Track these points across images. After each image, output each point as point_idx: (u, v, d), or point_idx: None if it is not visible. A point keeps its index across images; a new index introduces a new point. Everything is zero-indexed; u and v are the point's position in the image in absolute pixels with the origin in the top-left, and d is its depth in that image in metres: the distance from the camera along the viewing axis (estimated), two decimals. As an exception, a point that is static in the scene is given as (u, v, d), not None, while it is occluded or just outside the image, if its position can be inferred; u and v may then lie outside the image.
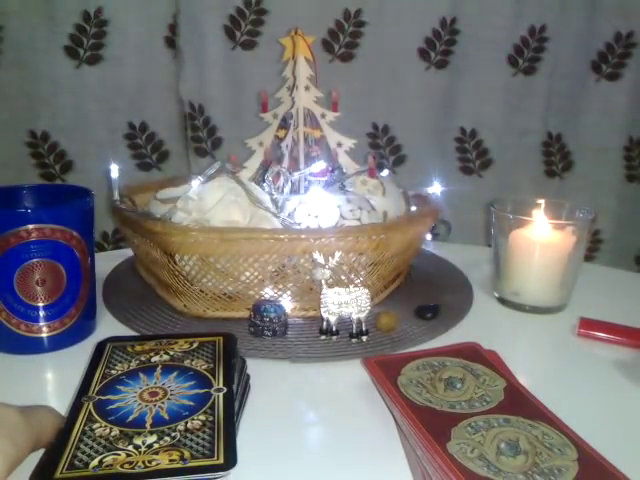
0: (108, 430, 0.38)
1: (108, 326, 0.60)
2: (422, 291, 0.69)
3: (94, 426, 0.38)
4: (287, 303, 0.60)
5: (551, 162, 1.12)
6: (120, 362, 0.46)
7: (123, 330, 0.59)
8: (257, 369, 0.51)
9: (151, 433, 0.38)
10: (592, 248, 1.15)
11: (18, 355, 0.54)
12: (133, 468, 0.35)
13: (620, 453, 0.38)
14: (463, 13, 1.01)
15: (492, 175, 1.11)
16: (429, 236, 0.72)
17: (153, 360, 0.46)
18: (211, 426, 0.38)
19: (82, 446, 0.36)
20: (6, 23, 0.94)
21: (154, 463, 0.35)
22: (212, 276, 0.59)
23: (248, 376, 0.49)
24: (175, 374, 0.44)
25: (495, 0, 1.00)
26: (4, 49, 0.96)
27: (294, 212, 0.63)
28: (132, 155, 1.06)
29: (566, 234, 0.64)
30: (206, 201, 0.63)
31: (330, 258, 0.56)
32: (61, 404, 0.43)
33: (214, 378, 0.44)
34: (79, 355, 0.51)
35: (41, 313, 0.54)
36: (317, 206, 0.62)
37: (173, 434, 0.38)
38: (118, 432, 0.38)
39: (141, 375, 0.44)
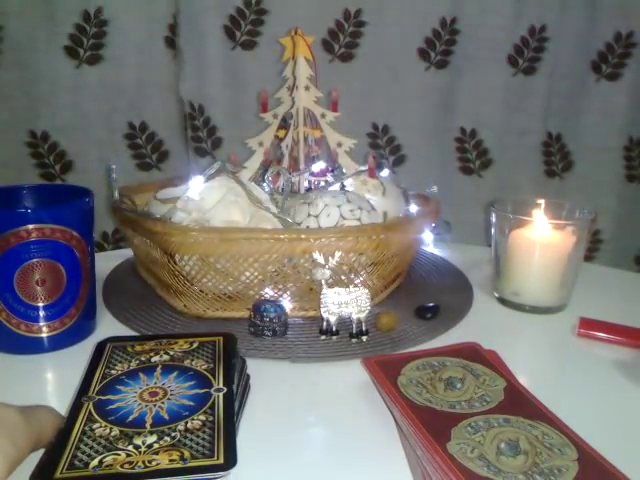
0: (108, 430, 0.38)
1: (108, 326, 0.60)
2: (422, 291, 0.70)
3: (94, 426, 0.38)
4: (287, 303, 0.60)
5: (551, 162, 1.12)
6: (120, 362, 0.46)
7: (123, 330, 0.59)
8: (257, 369, 0.51)
9: (151, 433, 0.38)
10: (592, 248, 1.15)
11: (18, 355, 0.54)
12: (133, 468, 0.35)
13: (620, 453, 0.38)
14: (463, 13, 1.01)
15: (492, 175, 1.11)
16: (429, 236, 0.72)
17: (153, 360, 0.46)
18: (211, 426, 0.38)
19: (82, 446, 0.36)
20: (6, 23, 0.94)
21: (154, 463, 0.35)
22: (212, 276, 0.59)
23: (248, 376, 0.49)
24: (175, 374, 0.44)
25: (495, 0, 1.00)
26: (4, 49, 0.96)
27: (294, 212, 0.63)
28: (132, 155, 1.06)
29: (566, 234, 0.64)
30: (206, 201, 0.63)
31: (330, 258, 0.56)
32: (61, 404, 0.43)
33: (214, 378, 0.44)
34: (79, 355, 0.51)
35: (41, 313, 0.54)
36: (317, 206, 0.62)
37: (173, 434, 0.38)
38: (118, 432, 0.38)
39: (141, 375, 0.44)
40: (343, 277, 0.60)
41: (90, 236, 0.57)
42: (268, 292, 0.60)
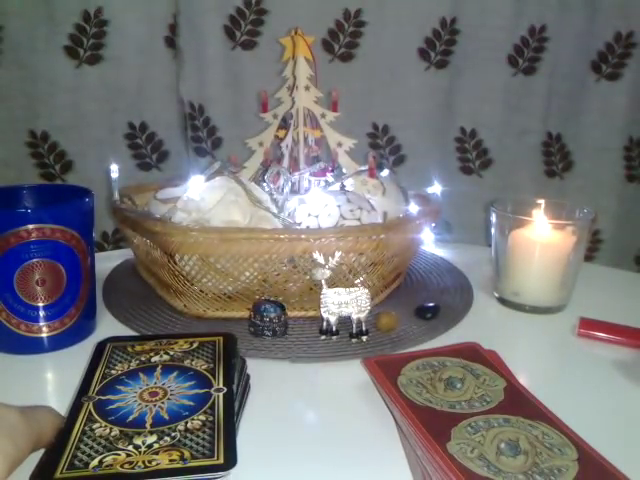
0: (108, 430, 0.38)
1: (108, 326, 0.60)
2: (422, 291, 0.70)
3: (94, 426, 0.38)
4: (287, 303, 0.60)
5: (551, 162, 1.12)
6: (120, 362, 0.46)
7: (123, 330, 0.59)
8: (257, 369, 0.51)
9: (151, 433, 0.38)
10: (592, 248, 1.15)
11: (18, 355, 0.54)
12: (133, 468, 0.35)
13: (620, 453, 0.38)
14: (463, 13, 1.01)
15: (492, 175, 1.11)
16: (429, 236, 0.72)
17: (153, 360, 0.46)
18: (211, 426, 0.38)
19: (82, 446, 0.36)
20: (6, 23, 0.94)
21: (154, 463, 0.35)
22: (212, 276, 0.59)
23: (248, 376, 0.49)
24: (175, 374, 0.44)
25: (495, 0, 1.00)
26: (4, 49, 0.96)
27: (294, 212, 0.63)
28: (132, 155, 1.06)
29: (566, 234, 0.64)
30: (206, 201, 0.63)
31: (330, 258, 0.56)
32: (61, 404, 0.43)
33: (214, 378, 0.44)
34: (79, 355, 0.51)
35: (41, 313, 0.54)
36: (317, 206, 0.62)
37: (173, 434, 0.38)
38: (118, 432, 0.38)
39: (141, 375, 0.44)
40: (343, 277, 0.60)
41: (90, 236, 0.57)
42: (268, 292, 0.60)
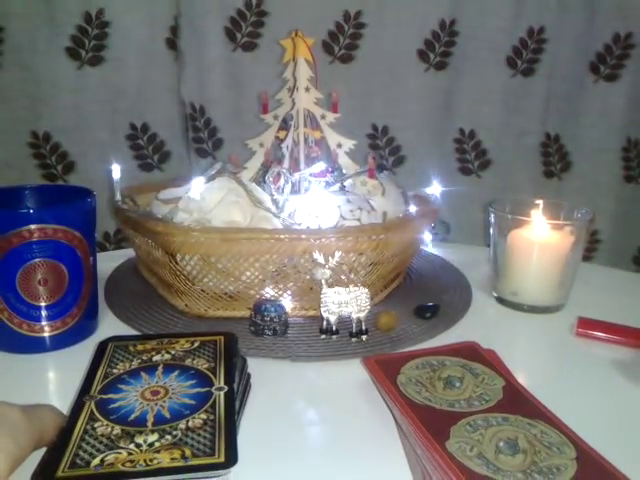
0: (110, 429, 0.38)
1: (110, 326, 0.61)
2: (421, 291, 0.70)
3: (96, 425, 0.38)
4: (287, 303, 0.61)
5: (549, 163, 1.12)
6: (122, 361, 0.46)
7: (125, 329, 0.60)
8: (258, 368, 0.51)
9: (152, 432, 0.38)
10: (590, 248, 1.15)
11: (20, 355, 0.55)
12: (134, 466, 0.35)
13: (618, 452, 0.38)
14: (462, 15, 1.01)
15: (491, 176, 1.11)
16: (429, 236, 0.73)
17: (154, 359, 0.47)
18: (212, 425, 0.39)
19: (84, 445, 0.36)
20: (7, 24, 0.95)
21: (155, 461, 0.35)
22: (213, 276, 0.60)
23: (249, 375, 0.50)
24: (176, 373, 0.45)
25: (494, 1, 1.01)
26: (6, 50, 0.96)
27: (294, 212, 0.63)
28: (134, 156, 1.06)
29: (564, 234, 0.64)
30: (207, 201, 0.63)
31: (330, 258, 0.56)
32: (63, 403, 0.44)
33: (215, 377, 0.44)
34: (81, 354, 0.51)
35: (43, 313, 0.54)
36: (317, 206, 0.62)
37: (174, 433, 0.38)
38: (120, 431, 0.38)
39: (143, 374, 0.44)
40: (343, 277, 0.60)
41: (92, 236, 0.57)
42: (269, 292, 0.61)
